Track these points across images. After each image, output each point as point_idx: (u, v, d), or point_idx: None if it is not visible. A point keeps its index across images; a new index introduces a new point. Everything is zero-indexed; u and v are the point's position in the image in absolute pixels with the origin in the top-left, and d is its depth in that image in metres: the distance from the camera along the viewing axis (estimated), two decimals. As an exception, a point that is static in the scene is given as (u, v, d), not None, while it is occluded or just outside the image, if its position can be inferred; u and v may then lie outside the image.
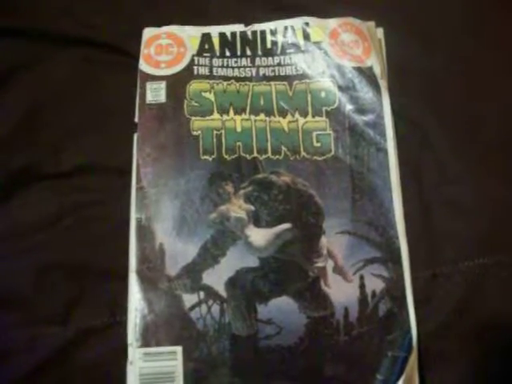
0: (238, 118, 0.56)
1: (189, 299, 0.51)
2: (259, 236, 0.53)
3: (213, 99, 0.57)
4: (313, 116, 0.57)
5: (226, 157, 0.55)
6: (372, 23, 0.60)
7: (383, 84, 0.57)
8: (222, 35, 0.59)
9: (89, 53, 0.60)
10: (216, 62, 0.58)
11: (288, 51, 0.59)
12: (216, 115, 0.56)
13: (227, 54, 0.59)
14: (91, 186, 0.56)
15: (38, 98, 0.59)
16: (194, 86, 0.57)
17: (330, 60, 0.58)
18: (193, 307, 0.51)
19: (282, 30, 0.59)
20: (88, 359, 0.52)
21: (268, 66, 0.58)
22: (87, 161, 0.57)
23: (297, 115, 0.57)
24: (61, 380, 0.51)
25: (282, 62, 0.58)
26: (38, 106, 0.59)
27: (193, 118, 0.56)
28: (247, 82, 0.58)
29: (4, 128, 0.58)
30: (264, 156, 0.55)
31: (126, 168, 0.55)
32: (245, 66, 0.58)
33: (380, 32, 0.60)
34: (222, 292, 0.52)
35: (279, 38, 0.59)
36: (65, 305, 0.53)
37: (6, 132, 0.58)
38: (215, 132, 0.56)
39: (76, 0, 0.62)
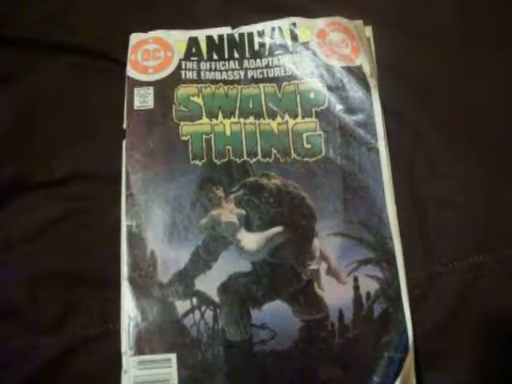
0: (227, 121, 0.56)
1: (182, 306, 0.51)
2: (251, 240, 0.53)
3: (201, 103, 0.56)
4: (302, 117, 0.56)
5: (216, 161, 0.55)
6: (360, 22, 0.59)
7: (373, 83, 0.57)
8: (209, 38, 0.59)
9: (77, 60, 0.60)
10: (204, 65, 0.58)
11: (276, 52, 0.58)
12: (205, 119, 0.56)
13: (215, 57, 0.58)
14: (82, 194, 0.56)
15: (27, 107, 0.59)
16: (182, 91, 0.57)
17: (319, 60, 0.58)
18: (186, 314, 0.51)
19: (270, 31, 0.59)
20: (82, 368, 0.51)
21: (256, 68, 0.58)
22: (78, 169, 0.57)
23: (286, 117, 0.56)
24: (55, 390, 0.51)
25: (270, 64, 0.58)
26: (28, 115, 0.59)
27: (181, 122, 0.56)
28: (235, 85, 0.57)
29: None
30: (254, 159, 0.55)
31: (116, 175, 0.55)
32: (233, 69, 0.58)
33: (368, 30, 0.60)
34: (215, 298, 0.51)
35: (267, 40, 0.59)
36: (58, 314, 0.53)
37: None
38: (204, 136, 0.55)
39: (64, 8, 0.62)
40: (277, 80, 0.57)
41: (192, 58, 0.58)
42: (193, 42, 0.58)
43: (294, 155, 0.55)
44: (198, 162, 0.55)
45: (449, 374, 0.51)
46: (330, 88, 0.57)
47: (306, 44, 0.58)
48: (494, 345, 0.51)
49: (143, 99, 0.56)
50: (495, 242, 0.54)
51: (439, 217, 0.55)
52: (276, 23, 0.59)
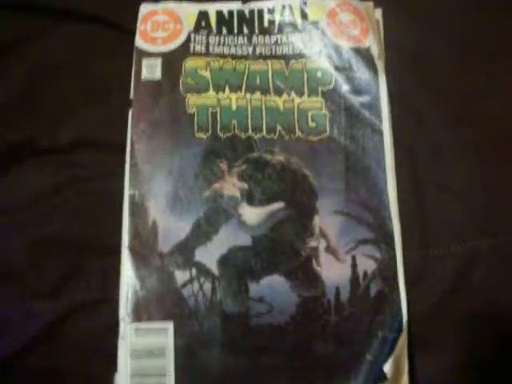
0: (233, 95, 0.56)
1: (181, 276, 0.52)
2: (252, 214, 0.53)
3: (208, 77, 0.56)
4: (308, 96, 0.56)
5: (221, 135, 0.55)
6: (370, 3, 0.59)
7: (380, 65, 0.57)
8: (219, 13, 0.59)
9: (86, 28, 0.60)
10: (212, 39, 0.58)
11: (285, 30, 0.58)
12: (211, 93, 0.56)
13: (224, 31, 0.58)
14: (86, 161, 0.56)
15: (35, 73, 0.59)
16: (189, 63, 0.57)
17: (327, 40, 0.58)
18: (185, 284, 0.51)
19: (280, 8, 0.59)
20: (79, 334, 0.52)
21: (265, 45, 0.58)
22: (83, 136, 0.57)
23: (293, 94, 0.56)
24: (52, 354, 0.52)
25: (279, 41, 0.58)
26: (36, 81, 0.58)
27: (188, 95, 0.56)
28: (243, 60, 0.57)
29: (1, 102, 0.58)
30: (259, 135, 0.55)
31: (120, 144, 0.55)
32: (241, 44, 0.58)
33: (378, 12, 0.59)
34: (214, 269, 0.52)
35: (276, 17, 0.59)
36: (57, 279, 0.53)
37: (2, 106, 0.57)
38: (210, 110, 0.55)
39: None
40: (285, 57, 0.57)
41: (201, 32, 0.58)
42: (203, 15, 0.58)
43: (298, 133, 0.55)
44: (202, 135, 0.55)
45: (440, 356, 0.52)
46: (337, 68, 0.57)
47: (315, 23, 0.58)
48: (486, 329, 0.52)
49: (151, 70, 0.56)
50: (492, 228, 0.54)
51: (439, 200, 0.55)
52: (287, 1, 0.59)
